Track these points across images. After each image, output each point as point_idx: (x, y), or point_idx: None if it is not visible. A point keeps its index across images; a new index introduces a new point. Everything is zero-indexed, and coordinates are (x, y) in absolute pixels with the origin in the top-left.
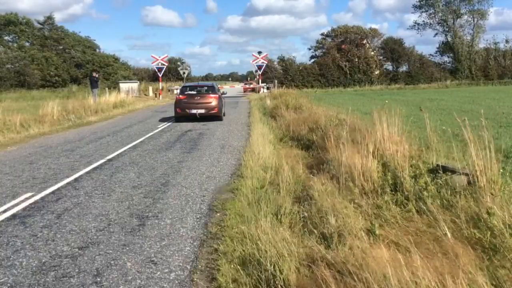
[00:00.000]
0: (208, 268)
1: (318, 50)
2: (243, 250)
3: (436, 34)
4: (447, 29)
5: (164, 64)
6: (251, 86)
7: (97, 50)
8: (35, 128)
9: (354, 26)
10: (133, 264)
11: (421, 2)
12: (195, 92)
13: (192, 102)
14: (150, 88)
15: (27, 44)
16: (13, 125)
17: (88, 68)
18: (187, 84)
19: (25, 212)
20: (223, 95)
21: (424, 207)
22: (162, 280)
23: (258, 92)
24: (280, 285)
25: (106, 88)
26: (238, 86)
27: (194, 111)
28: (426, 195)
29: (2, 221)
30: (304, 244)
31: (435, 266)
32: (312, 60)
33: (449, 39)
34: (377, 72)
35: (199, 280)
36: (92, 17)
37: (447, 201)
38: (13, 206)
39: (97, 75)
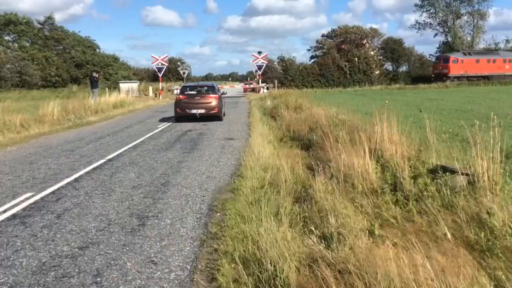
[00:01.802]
0: (208, 268)
1: (318, 50)
2: (244, 250)
3: (436, 34)
4: (447, 30)
5: (164, 64)
6: (251, 86)
7: (97, 50)
8: (35, 128)
9: (354, 26)
10: (133, 264)
11: (423, 2)
12: (195, 92)
13: (192, 102)
14: (150, 88)
15: (27, 44)
16: (13, 125)
17: (88, 68)
18: (187, 84)
19: (25, 212)
20: (223, 95)
21: (424, 207)
22: (162, 280)
23: (258, 92)
24: (281, 285)
25: (106, 88)
26: (238, 86)
27: (194, 111)
28: (426, 195)
29: (2, 221)
30: (305, 244)
31: (435, 266)
32: (312, 60)
33: (449, 39)
34: (377, 72)
35: (199, 280)
36: (93, 17)
37: (447, 201)
38: (13, 206)
39: (97, 75)
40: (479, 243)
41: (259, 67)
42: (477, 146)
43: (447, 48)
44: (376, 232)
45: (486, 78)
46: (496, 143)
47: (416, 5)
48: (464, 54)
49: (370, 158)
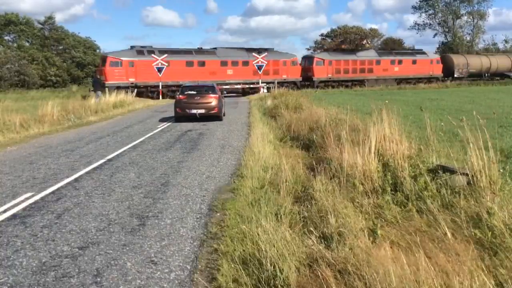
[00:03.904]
0: (208, 268)
1: (317, 51)
2: (243, 250)
3: (436, 34)
4: (447, 30)
5: (164, 64)
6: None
7: (98, 50)
8: (35, 128)
9: (354, 26)
10: (133, 264)
11: (421, 3)
12: (195, 92)
13: (192, 102)
14: None
15: (27, 44)
16: (13, 125)
17: (90, 69)
18: (187, 84)
19: (25, 212)
20: (223, 95)
21: (424, 207)
22: (162, 280)
23: (258, 92)
24: (280, 285)
25: (106, 88)
26: (238, 86)
27: (194, 111)
28: (426, 195)
29: (2, 221)
30: (304, 244)
31: (436, 265)
32: None
33: (449, 39)
34: None
35: (199, 280)
36: (93, 18)
37: (447, 201)
38: (13, 206)
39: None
40: (480, 243)
41: (259, 67)
42: (474, 145)
43: (446, 48)
44: (379, 232)
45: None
46: (493, 143)
47: (413, 7)
48: (139, 53)
49: (372, 157)
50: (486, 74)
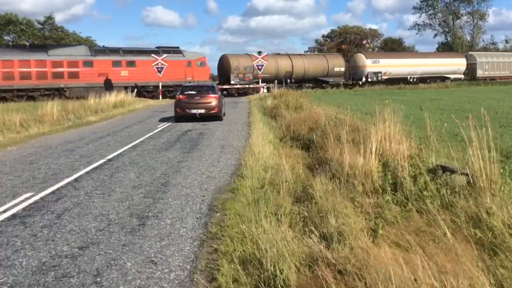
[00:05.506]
0: (208, 268)
1: (317, 51)
2: (243, 250)
3: (436, 35)
4: (447, 30)
5: (164, 64)
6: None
7: None
8: (35, 128)
9: (354, 26)
10: (133, 264)
11: (421, 3)
12: (195, 92)
13: (192, 102)
14: None
15: (27, 44)
16: (13, 125)
17: None
18: (187, 84)
19: (25, 212)
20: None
21: (424, 207)
22: (162, 280)
23: (258, 92)
24: (281, 285)
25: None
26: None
27: (194, 111)
28: (426, 195)
29: (2, 221)
30: (304, 244)
31: (435, 266)
32: None
33: (449, 39)
34: None
35: (199, 280)
36: (94, 18)
37: (447, 201)
38: (13, 206)
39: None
40: (480, 243)
41: (259, 67)
42: (474, 145)
43: (446, 48)
44: (380, 231)
45: None
46: (493, 143)
47: (414, 7)
48: None
49: (372, 157)
50: (290, 80)
